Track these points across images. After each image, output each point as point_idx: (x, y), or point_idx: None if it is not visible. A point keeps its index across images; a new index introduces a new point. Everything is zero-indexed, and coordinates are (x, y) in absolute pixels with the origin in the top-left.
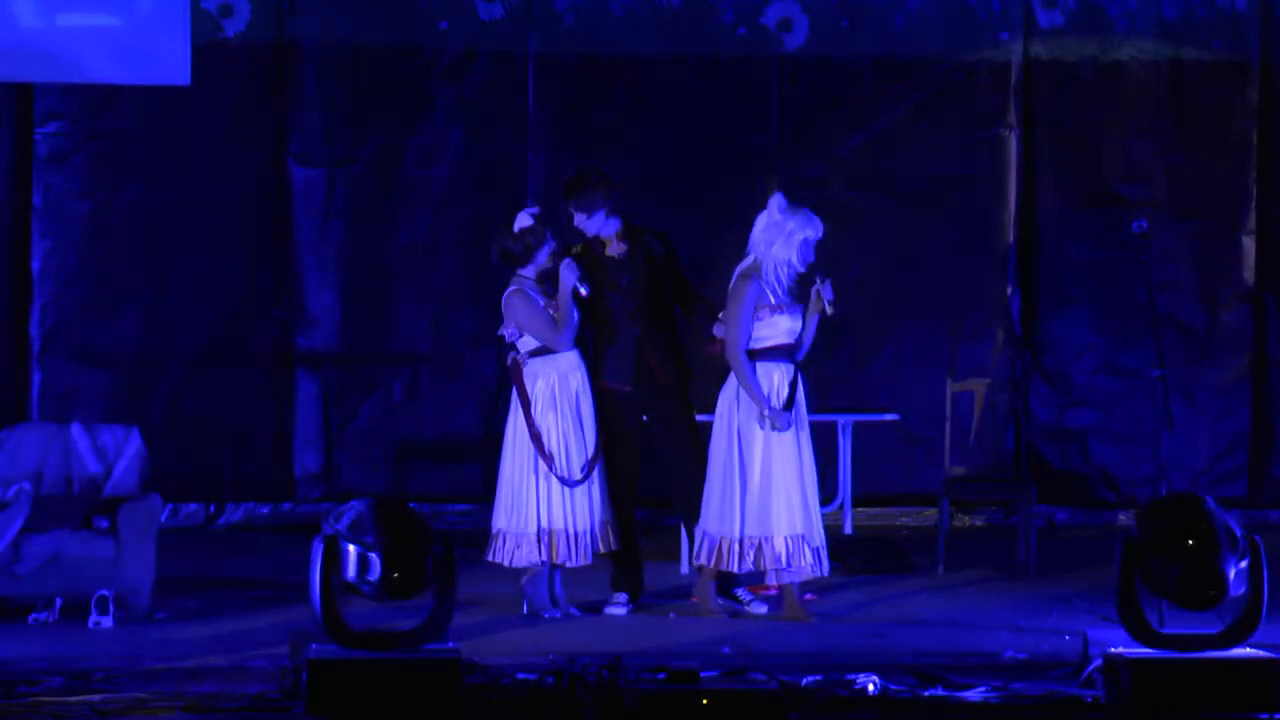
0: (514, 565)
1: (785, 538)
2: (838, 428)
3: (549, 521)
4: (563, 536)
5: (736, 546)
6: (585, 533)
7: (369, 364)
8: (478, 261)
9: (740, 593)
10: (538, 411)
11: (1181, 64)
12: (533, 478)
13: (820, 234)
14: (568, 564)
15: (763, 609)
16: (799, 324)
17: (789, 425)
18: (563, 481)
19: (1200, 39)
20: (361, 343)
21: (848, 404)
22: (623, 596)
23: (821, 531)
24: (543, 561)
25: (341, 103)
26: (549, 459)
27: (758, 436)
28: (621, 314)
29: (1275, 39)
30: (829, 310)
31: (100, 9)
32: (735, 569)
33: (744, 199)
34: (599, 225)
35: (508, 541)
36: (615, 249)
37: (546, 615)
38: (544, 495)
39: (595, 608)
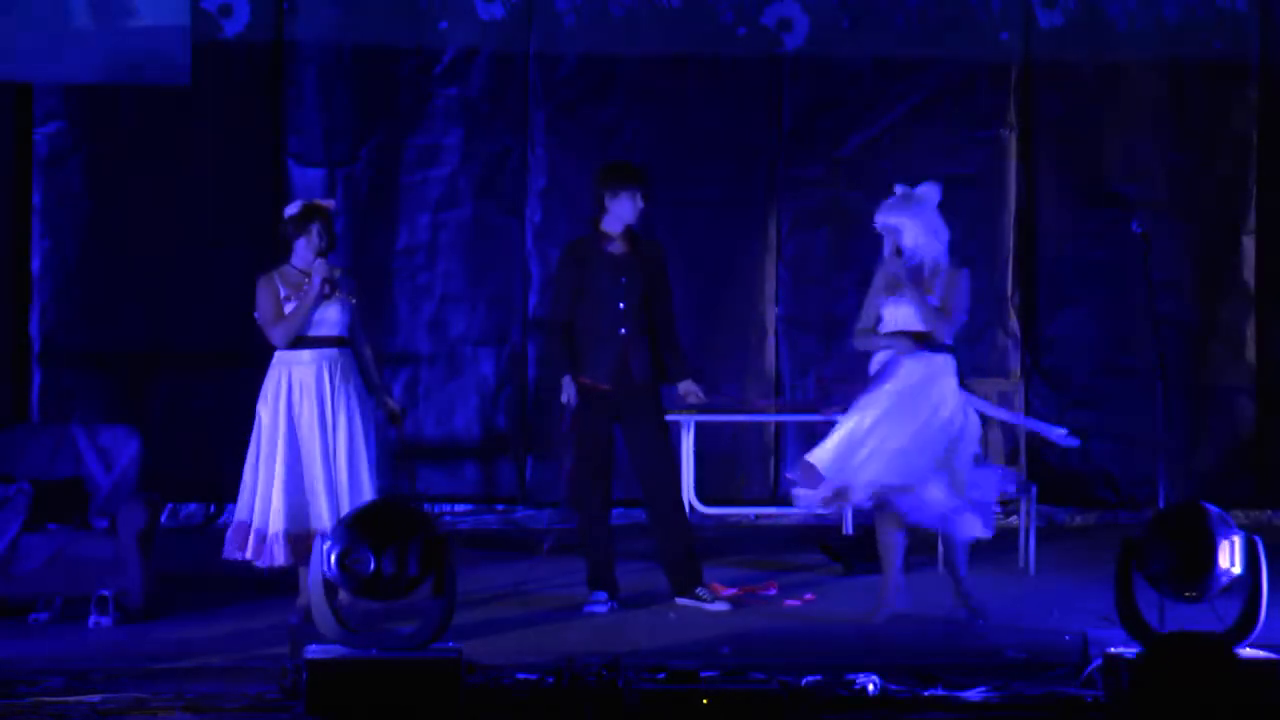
0: None
1: None
2: None
3: None
4: None
5: None
6: None
7: None
8: (478, 261)
9: (701, 591)
10: None
11: (1181, 64)
12: None
13: None
14: None
15: (724, 608)
16: None
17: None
18: None
19: (1200, 39)
20: None
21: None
22: (601, 595)
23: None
24: None
25: (341, 103)
26: None
27: None
28: (613, 312)
29: (1275, 39)
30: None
31: (100, 9)
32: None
33: (744, 199)
34: (624, 211)
35: None
36: (616, 246)
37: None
38: None
39: (575, 606)
